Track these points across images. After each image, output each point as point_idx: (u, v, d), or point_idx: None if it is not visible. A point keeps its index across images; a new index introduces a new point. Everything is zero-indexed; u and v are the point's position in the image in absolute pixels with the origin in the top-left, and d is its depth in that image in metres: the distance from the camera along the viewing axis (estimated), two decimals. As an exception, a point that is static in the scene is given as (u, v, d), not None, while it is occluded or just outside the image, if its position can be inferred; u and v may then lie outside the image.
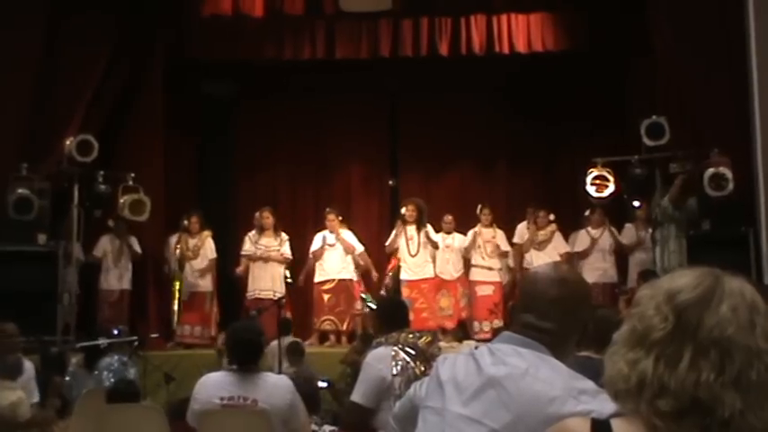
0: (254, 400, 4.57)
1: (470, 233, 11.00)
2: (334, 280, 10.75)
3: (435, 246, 10.78)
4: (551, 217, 10.92)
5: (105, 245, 10.49)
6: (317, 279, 10.85)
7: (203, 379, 4.78)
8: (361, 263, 10.95)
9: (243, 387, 4.61)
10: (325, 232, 10.88)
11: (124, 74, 10.49)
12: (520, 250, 11.00)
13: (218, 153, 12.44)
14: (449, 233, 11.02)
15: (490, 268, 10.92)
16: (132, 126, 10.78)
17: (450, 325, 10.75)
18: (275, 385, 4.71)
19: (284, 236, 10.94)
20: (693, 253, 8.78)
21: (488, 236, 11.00)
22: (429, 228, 10.81)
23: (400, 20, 11.22)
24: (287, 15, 11.01)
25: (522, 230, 11.08)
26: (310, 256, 10.92)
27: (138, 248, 10.53)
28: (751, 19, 8.35)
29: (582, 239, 10.83)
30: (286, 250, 10.87)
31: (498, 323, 10.44)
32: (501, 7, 11.18)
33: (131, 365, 8.13)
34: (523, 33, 11.11)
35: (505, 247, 11.02)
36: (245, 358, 4.69)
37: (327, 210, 10.99)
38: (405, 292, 10.54)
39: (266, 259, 10.75)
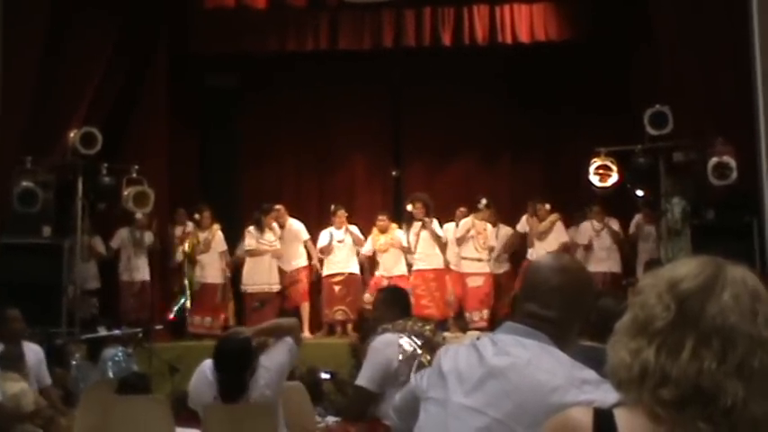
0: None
1: (462, 223, 10.92)
2: (343, 273, 10.81)
3: (440, 240, 10.75)
4: (547, 207, 10.91)
5: (123, 237, 10.62)
6: (325, 272, 10.89)
7: (206, 361, 4.88)
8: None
9: None
10: (332, 229, 10.89)
11: (128, 66, 10.49)
12: (521, 239, 11.11)
13: (222, 145, 12.44)
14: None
15: (480, 260, 10.89)
16: (136, 118, 10.81)
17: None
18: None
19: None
20: (697, 242, 8.76)
21: (480, 228, 10.91)
22: (435, 223, 10.77)
23: (403, 10, 11.19)
24: (289, 7, 11.00)
25: (524, 222, 11.12)
26: (317, 252, 10.94)
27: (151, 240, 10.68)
28: (754, 7, 8.32)
29: (585, 231, 10.84)
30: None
31: (487, 313, 10.58)
32: (503, -4, 11.17)
33: (135, 357, 8.16)
34: (526, 23, 11.10)
35: (493, 242, 10.98)
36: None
37: (334, 207, 10.97)
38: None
39: (265, 252, 10.79)
